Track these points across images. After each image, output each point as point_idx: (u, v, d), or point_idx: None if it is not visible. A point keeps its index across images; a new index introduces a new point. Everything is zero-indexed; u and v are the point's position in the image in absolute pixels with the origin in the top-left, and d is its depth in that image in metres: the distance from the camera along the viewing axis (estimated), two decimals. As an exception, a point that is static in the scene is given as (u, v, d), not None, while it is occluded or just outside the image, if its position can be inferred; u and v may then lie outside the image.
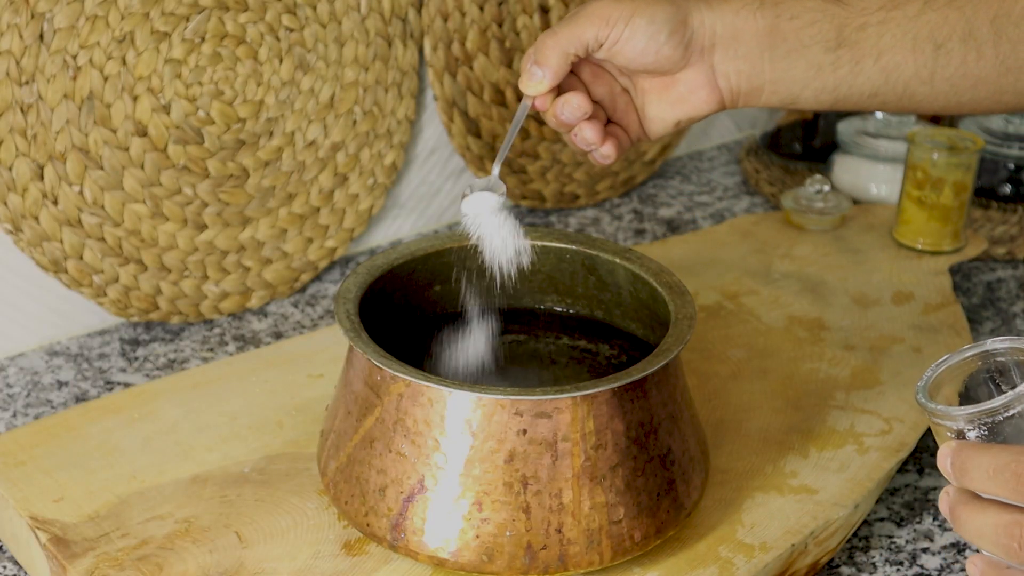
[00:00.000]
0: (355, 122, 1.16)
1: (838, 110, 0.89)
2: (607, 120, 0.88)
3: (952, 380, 0.65)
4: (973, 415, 0.62)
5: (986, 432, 0.62)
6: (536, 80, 0.84)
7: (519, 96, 1.25)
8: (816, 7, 0.84)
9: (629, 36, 0.83)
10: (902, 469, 0.96)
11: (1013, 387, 0.62)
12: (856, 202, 1.32)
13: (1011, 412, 0.62)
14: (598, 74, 0.87)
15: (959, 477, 0.62)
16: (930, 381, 0.65)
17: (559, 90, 0.85)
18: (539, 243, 0.92)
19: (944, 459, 0.62)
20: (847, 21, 0.83)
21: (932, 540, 0.90)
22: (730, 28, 0.84)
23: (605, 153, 0.86)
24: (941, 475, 0.82)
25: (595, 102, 0.87)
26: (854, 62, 0.83)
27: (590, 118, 0.85)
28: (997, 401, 0.62)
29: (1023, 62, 0.82)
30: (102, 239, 1.05)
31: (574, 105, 0.84)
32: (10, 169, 1.00)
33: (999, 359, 0.65)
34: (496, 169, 0.87)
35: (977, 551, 0.63)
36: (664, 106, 0.87)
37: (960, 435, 0.63)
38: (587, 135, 0.85)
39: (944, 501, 0.63)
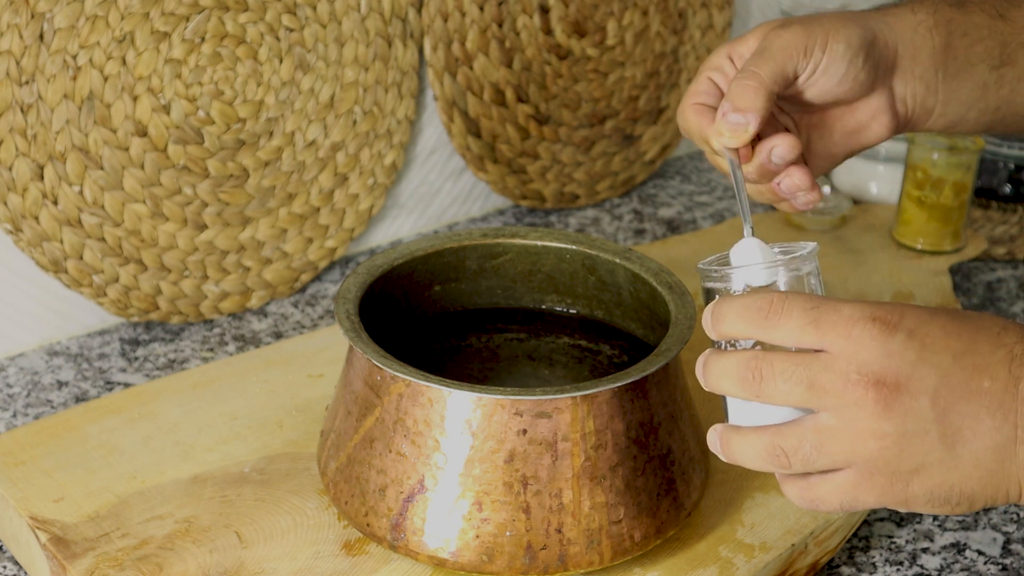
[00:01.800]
0: (355, 122, 1.16)
1: (992, 132, 0.85)
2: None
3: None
4: (738, 270, 0.67)
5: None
6: (741, 128, 0.74)
7: (519, 96, 1.25)
8: (983, 23, 0.80)
9: (827, 64, 0.77)
10: (902, 469, 0.96)
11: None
12: (856, 202, 1.32)
13: (779, 278, 0.67)
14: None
15: (715, 324, 0.65)
16: (712, 261, 0.70)
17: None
18: (539, 243, 0.92)
19: (706, 315, 0.65)
20: (1010, 38, 0.80)
21: (932, 540, 0.90)
22: (909, 47, 0.79)
23: (813, 198, 0.79)
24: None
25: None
26: (1016, 80, 0.81)
27: (797, 161, 0.77)
28: (763, 263, 0.67)
29: None
30: (102, 239, 1.05)
31: (786, 147, 0.76)
32: (10, 169, 1.00)
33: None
34: (748, 229, 0.73)
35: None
36: (835, 139, 0.82)
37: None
38: (796, 180, 0.78)
39: (700, 361, 0.66)
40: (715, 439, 0.66)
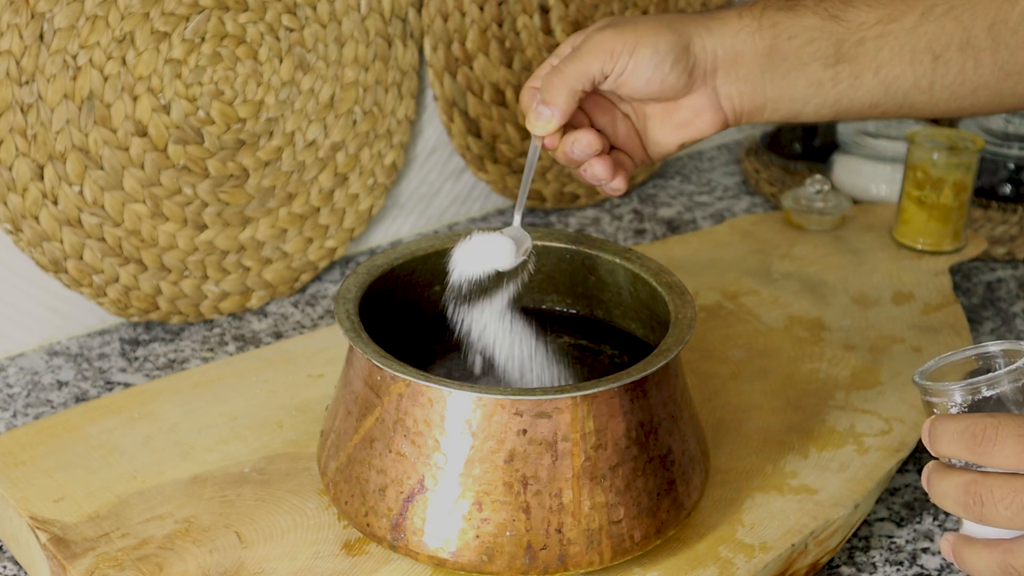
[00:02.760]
0: (355, 122, 1.16)
1: (839, 120, 0.89)
2: (610, 147, 0.87)
3: (950, 375, 0.70)
4: (957, 388, 0.68)
5: (967, 409, 0.67)
6: (544, 120, 0.83)
7: (519, 96, 1.25)
8: (814, 25, 0.84)
9: (634, 67, 0.82)
10: (902, 469, 0.96)
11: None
12: (856, 202, 1.32)
13: (991, 392, 0.67)
14: (599, 103, 0.87)
15: (932, 443, 0.67)
16: (930, 370, 0.70)
17: (564, 129, 0.84)
18: (539, 243, 0.92)
19: (924, 430, 0.68)
20: (845, 37, 0.83)
21: (932, 540, 0.90)
22: (730, 51, 0.84)
23: (615, 187, 0.86)
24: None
25: (598, 130, 0.86)
26: (853, 76, 0.84)
27: (599, 154, 0.85)
28: (981, 379, 0.67)
29: (1021, 66, 0.82)
30: (102, 239, 1.05)
31: (584, 143, 0.84)
32: (10, 169, 1.00)
33: (995, 360, 0.70)
34: (517, 218, 0.86)
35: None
36: (668, 130, 0.87)
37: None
38: (597, 171, 0.85)
39: (924, 473, 0.68)
40: (948, 549, 0.69)
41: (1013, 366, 0.68)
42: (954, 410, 0.68)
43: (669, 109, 0.86)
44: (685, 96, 0.85)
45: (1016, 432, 0.64)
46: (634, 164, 0.89)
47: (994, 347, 0.70)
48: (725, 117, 0.86)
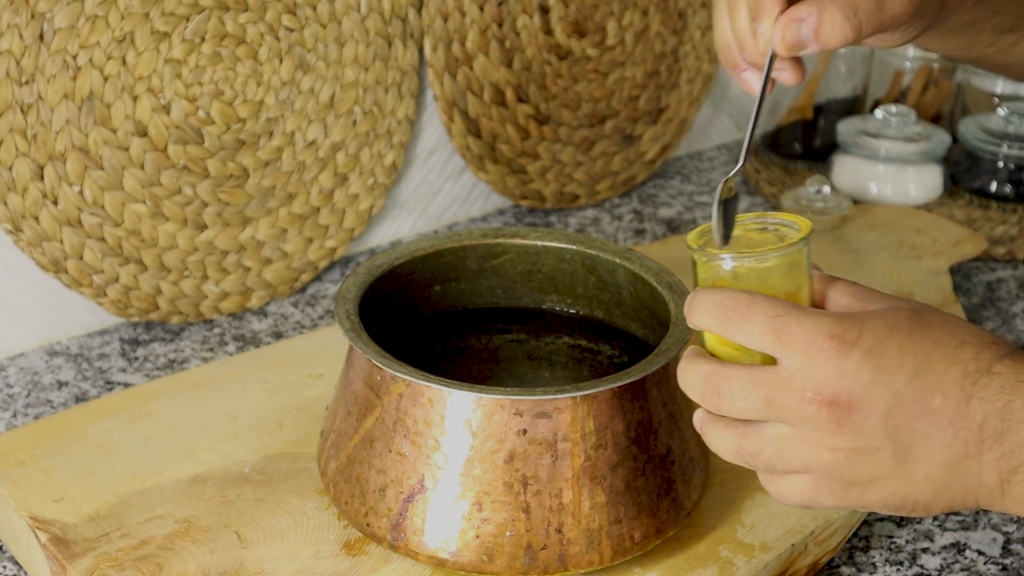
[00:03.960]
0: (355, 122, 1.16)
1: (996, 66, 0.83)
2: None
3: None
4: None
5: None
6: (798, 24, 0.68)
7: (519, 96, 1.25)
8: None
9: None
10: (902, 469, 0.96)
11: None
12: (856, 202, 1.32)
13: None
14: None
15: (688, 313, 0.67)
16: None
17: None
18: (539, 243, 0.92)
19: (687, 301, 0.67)
20: None
21: (932, 540, 0.90)
22: None
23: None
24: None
25: None
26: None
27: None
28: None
29: None
30: (102, 239, 1.05)
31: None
32: (10, 169, 1.00)
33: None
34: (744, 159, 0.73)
35: None
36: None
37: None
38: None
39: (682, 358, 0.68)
40: (697, 421, 0.69)
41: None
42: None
43: None
44: None
45: (767, 312, 0.64)
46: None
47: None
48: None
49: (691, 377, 0.67)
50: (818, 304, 0.68)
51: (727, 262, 0.67)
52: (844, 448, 0.63)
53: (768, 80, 0.72)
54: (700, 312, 0.66)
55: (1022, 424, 0.62)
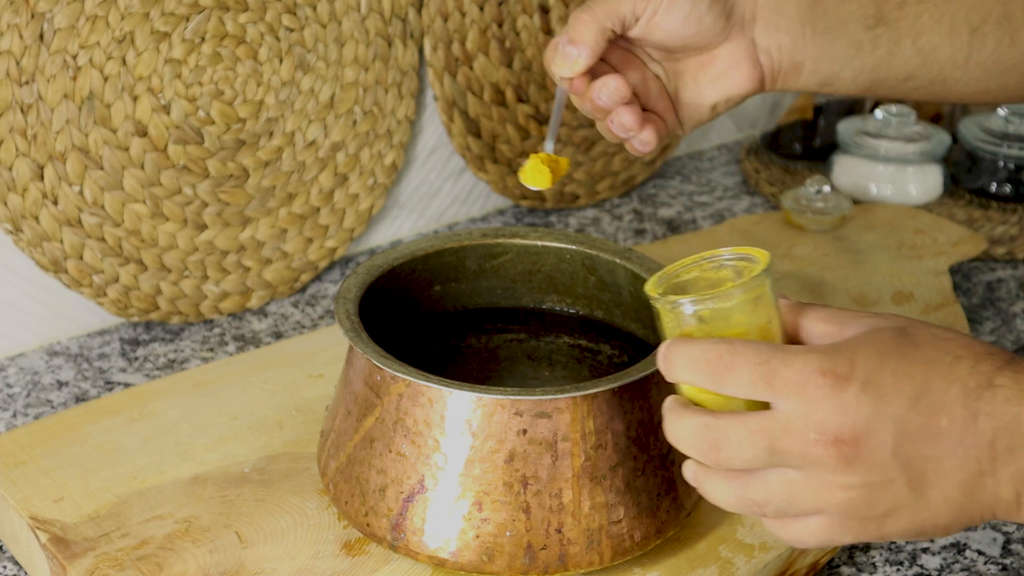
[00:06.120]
0: (355, 122, 1.16)
1: (871, 95, 0.86)
2: (641, 108, 0.83)
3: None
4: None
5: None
6: (572, 60, 0.78)
7: (519, 96, 1.26)
8: None
9: (669, 6, 0.78)
10: (902, 469, 0.96)
11: None
12: (856, 202, 1.32)
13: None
14: (628, 59, 0.83)
15: (667, 369, 0.63)
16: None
17: (591, 76, 0.80)
18: (539, 243, 0.92)
19: (659, 354, 0.64)
20: None
21: (932, 540, 0.90)
22: None
23: (645, 139, 0.81)
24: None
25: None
26: (893, 42, 0.81)
27: (628, 103, 0.80)
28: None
29: None
30: (102, 239, 1.05)
31: (612, 88, 0.79)
32: (10, 169, 1.00)
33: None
34: (549, 145, 0.83)
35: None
36: (701, 87, 0.82)
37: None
38: (625, 120, 0.80)
39: (663, 409, 0.64)
40: (690, 474, 0.65)
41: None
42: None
43: (703, 63, 0.82)
44: (721, 44, 0.81)
45: (751, 360, 0.61)
46: (666, 129, 0.84)
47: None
48: (762, 73, 0.81)
49: (682, 433, 0.63)
50: (792, 335, 0.65)
51: (688, 306, 0.64)
52: (857, 485, 0.61)
53: (563, 96, 0.82)
54: (680, 368, 0.63)
55: None
